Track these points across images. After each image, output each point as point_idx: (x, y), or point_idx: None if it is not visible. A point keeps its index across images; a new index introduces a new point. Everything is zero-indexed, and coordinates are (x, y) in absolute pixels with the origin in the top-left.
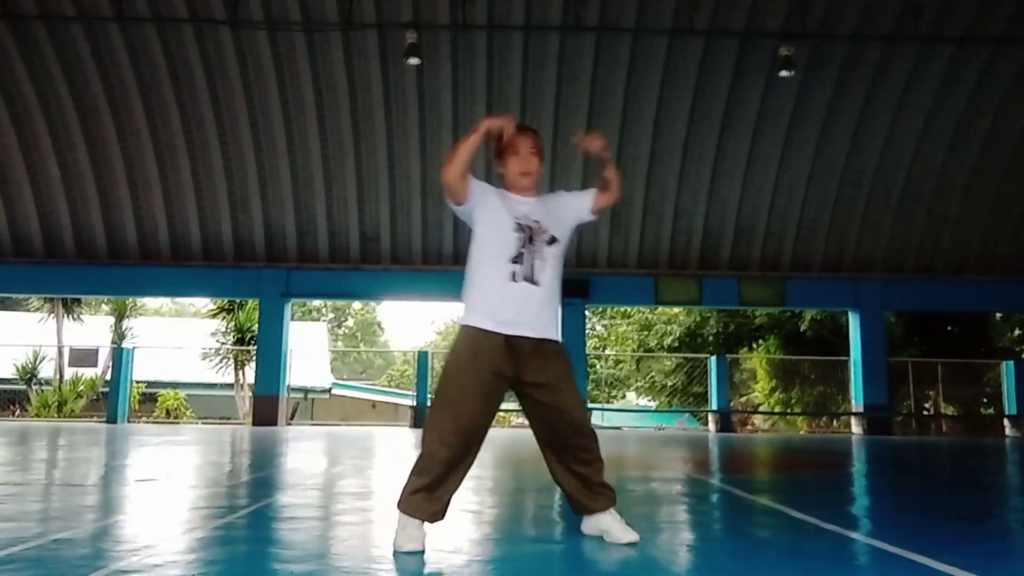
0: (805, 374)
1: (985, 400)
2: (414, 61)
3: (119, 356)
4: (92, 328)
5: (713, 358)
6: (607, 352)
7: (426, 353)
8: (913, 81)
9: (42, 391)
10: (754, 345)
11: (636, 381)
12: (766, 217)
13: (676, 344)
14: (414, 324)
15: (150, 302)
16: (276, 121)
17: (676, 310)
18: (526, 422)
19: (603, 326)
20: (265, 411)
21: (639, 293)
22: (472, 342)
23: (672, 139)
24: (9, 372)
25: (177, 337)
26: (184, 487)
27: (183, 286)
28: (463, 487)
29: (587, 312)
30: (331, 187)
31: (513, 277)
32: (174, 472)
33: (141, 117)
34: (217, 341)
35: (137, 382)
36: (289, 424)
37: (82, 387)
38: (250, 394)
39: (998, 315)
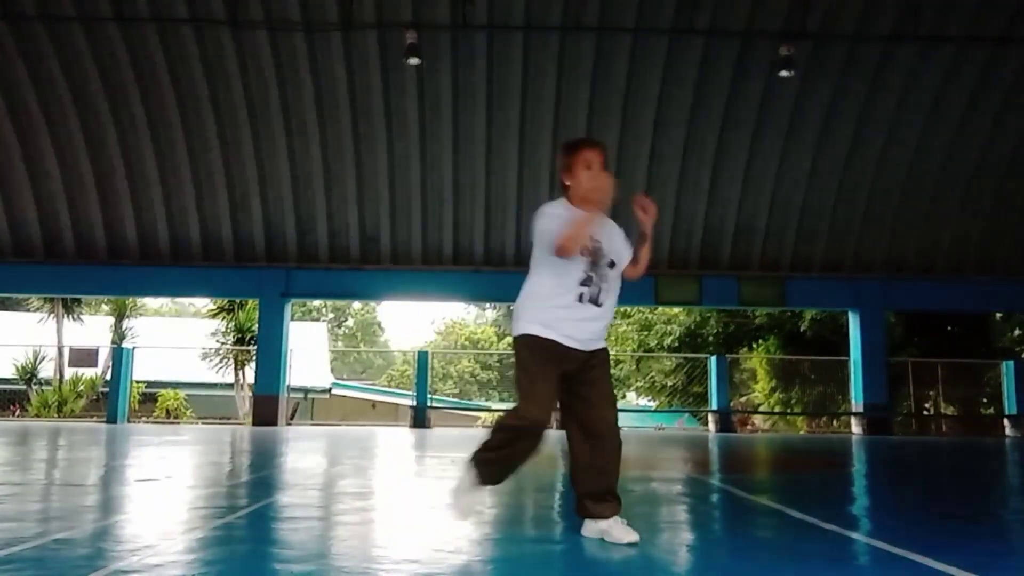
0: (805, 374)
1: (985, 400)
2: (414, 61)
3: (119, 356)
4: (92, 328)
5: (713, 358)
6: None
7: (426, 353)
8: (913, 81)
9: (42, 391)
10: (754, 345)
11: (636, 381)
12: (766, 217)
13: (676, 344)
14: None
15: (150, 302)
16: (276, 121)
17: (676, 310)
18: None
19: None
20: (265, 411)
21: (639, 293)
22: (535, 343)
23: (672, 139)
24: (9, 372)
25: (177, 337)
26: (184, 487)
27: (183, 286)
28: None
29: None
30: (331, 187)
31: (580, 299)
32: (174, 472)
33: (141, 117)
34: (217, 341)
35: (137, 382)
36: (289, 424)
37: (82, 387)
38: (250, 394)
39: (998, 315)
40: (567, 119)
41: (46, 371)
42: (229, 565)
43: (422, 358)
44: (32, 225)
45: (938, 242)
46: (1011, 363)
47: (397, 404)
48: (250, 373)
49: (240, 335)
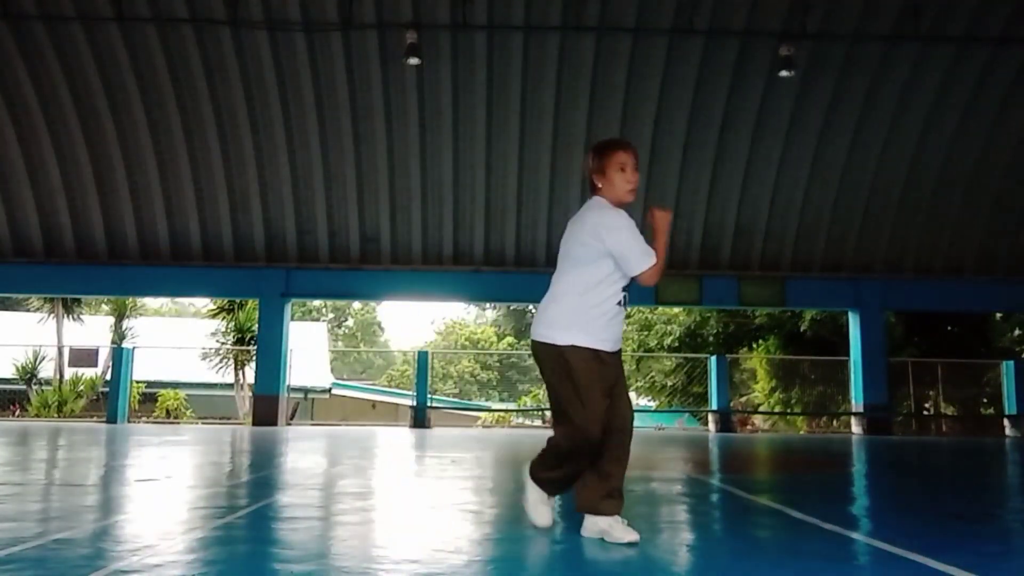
0: (805, 374)
1: (985, 400)
2: (414, 61)
3: (119, 356)
4: (92, 328)
5: (713, 358)
6: None
7: (426, 353)
8: (913, 81)
9: (42, 391)
10: (754, 345)
11: (636, 381)
12: (766, 217)
13: (676, 344)
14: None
15: (150, 302)
16: (276, 121)
17: (676, 310)
18: (526, 422)
19: None
20: (265, 411)
21: (639, 293)
22: (584, 355)
23: (672, 139)
24: (9, 372)
25: (177, 337)
26: (184, 487)
27: (183, 286)
28: (463, 487)
29: None
30: (331, 187)
31: (620, 303)
32: (174, 472)
33: (141, 117)
34: (217, 341)
35: (137, 382)
36: (289, 424)
37: (82, 387)
38: (250, 394)
39: (998, 315)
40: (567, 119)
41: (46, 371)
42: (229, 565)
43: (422, 358)
44: (32, 225)
45: (938, 242)
46: (1011, 363)
47: (397, 404)
48: (250, 373)
49: (240, 335)
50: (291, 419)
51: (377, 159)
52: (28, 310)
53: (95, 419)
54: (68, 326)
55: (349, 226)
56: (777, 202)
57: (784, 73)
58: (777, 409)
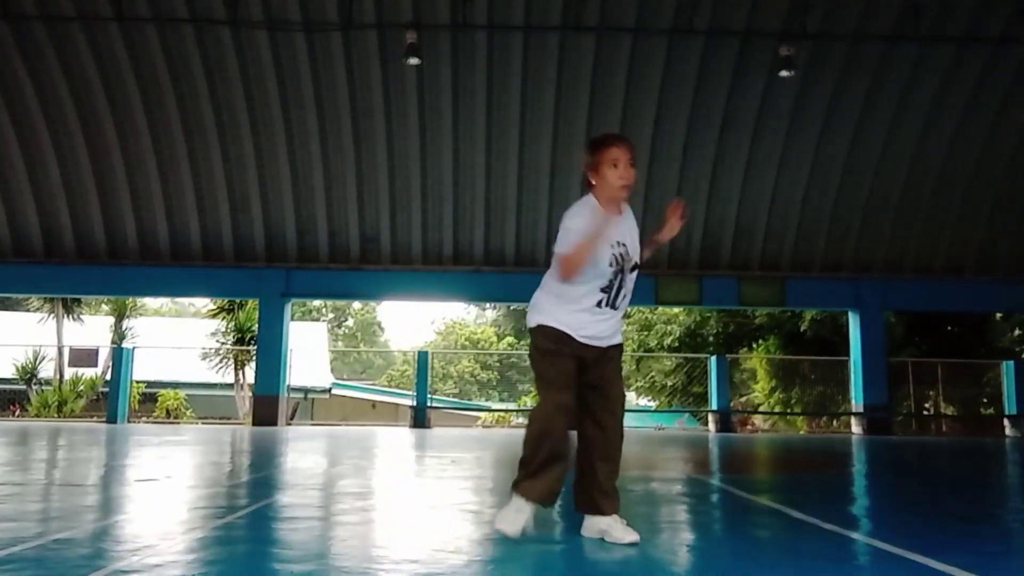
0: (805, 374)
1: (985, 400)
2: (414, 61)
3: (119, 356)
4: (92, 328)
5: (713, 358)
6: None
7: (426, 353)
8: (913, 81)
9: (42, 391)
10: (754, 345)
11: (636, 381)
12: (766, 217)
13: (676, 344)
14: (414, 324)
15: (150, 302)
16: (276, 121)
17: (676, 310)
18: (526, 422)
19: None
20: (265, 411)
21: (639, 293)
22: (550, 332)
23: (672, 139)
24: (9, 372)
25: (177, 337)
26: (184, 487)
27: (183, 286)
28: (463, 487)
29: None
30: (331, 187)
31: (599, 304)
32: (174, 472)
33: (141, 117)
34: (217, 341)
35: (137, 382)
36: (289, 424)
37: (82, 387)
38: (250, 394)
39: (998, 315)
40: (567, 119)
41: (46, 371)
42: (229, 565)
43: (422, 358)
44: (32, 225)
45: (938, 242)
46: (1011, 363)
47: (397, 404)
48: (250, 373)
49: (240, 335)
50: (291, 419)
51: (377, 159)
52: (28, 310)
53: (95, 419)
54: (68, 326)
55: (349, 226)
56: (777, 202)
57: (784, 73)
58: (777, 409)
